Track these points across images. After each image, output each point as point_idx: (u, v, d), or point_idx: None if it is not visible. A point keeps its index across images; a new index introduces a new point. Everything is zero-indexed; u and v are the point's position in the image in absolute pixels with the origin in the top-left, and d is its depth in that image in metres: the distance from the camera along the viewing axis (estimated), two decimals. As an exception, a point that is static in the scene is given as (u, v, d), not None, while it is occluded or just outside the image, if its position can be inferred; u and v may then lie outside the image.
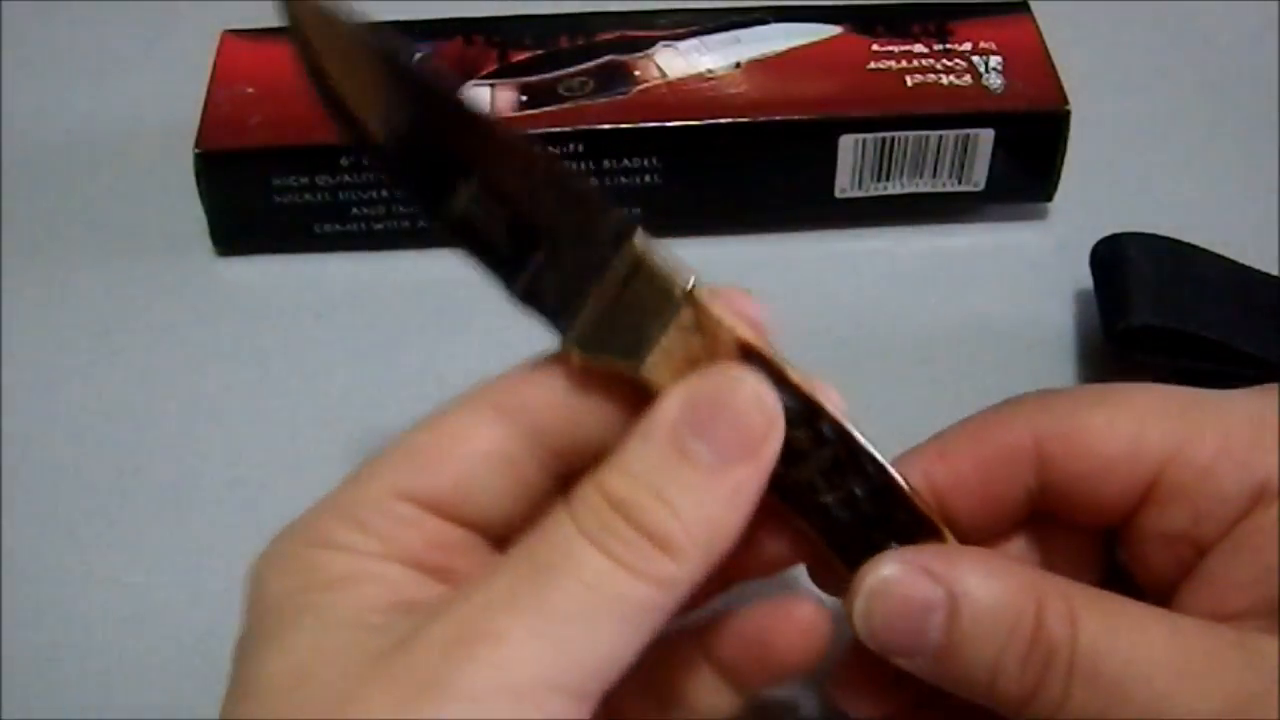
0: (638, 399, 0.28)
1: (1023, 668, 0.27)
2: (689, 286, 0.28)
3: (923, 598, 0.28)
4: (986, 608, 0.27)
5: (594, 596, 0.25)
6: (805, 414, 0.29)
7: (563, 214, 0.28)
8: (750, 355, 0.28)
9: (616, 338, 0.28)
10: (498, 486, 0.29)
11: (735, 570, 0.30)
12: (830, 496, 0.29)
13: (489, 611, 0.25)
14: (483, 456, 0.29)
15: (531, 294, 0.28)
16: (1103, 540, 0.32)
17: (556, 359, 0.29)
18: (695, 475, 0.27)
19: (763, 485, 0.27)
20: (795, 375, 0.29)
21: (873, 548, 0.29)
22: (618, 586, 0.26)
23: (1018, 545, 0.32)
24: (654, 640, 0.27)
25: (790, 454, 0.28)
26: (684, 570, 0.26)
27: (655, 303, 0.28)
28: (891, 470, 0.29)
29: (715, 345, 0.28)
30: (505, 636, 0.25)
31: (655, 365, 0.28)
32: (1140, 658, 0.27)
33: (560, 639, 0.25)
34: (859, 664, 0.31)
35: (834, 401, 0.29)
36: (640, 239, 0.28)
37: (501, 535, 0.29)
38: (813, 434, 0.28)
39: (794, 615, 0.31)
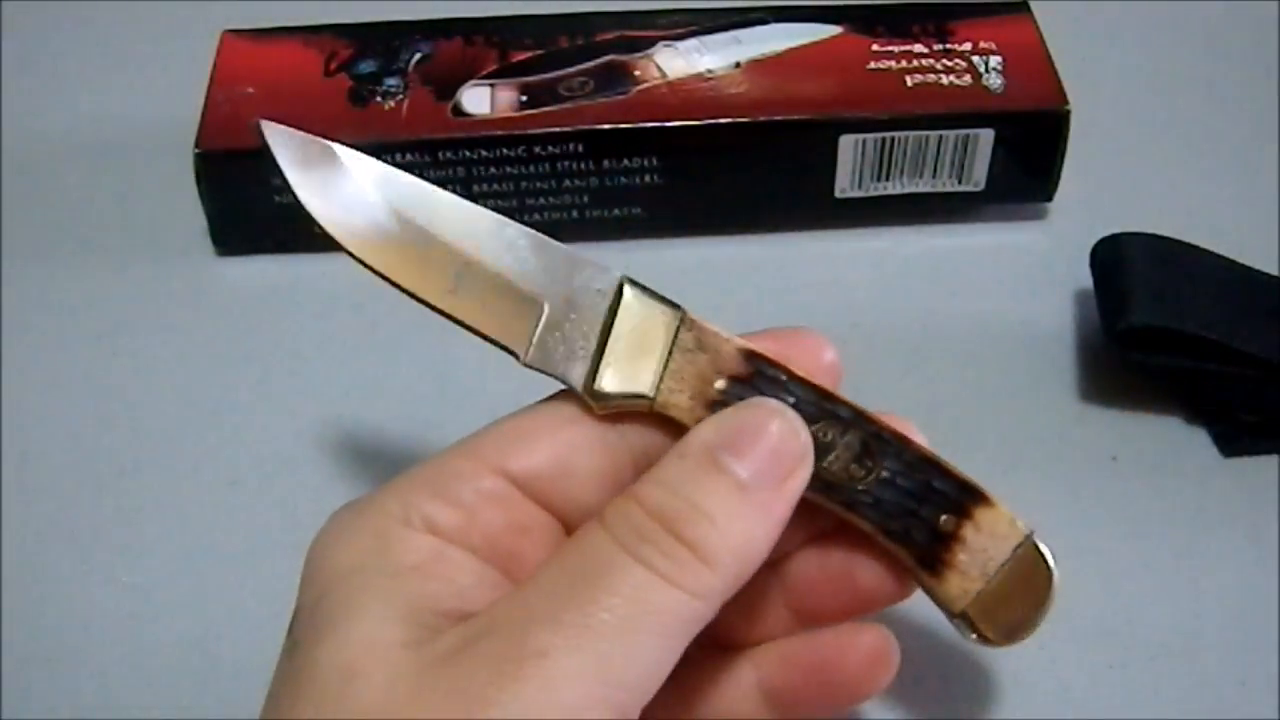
0: None
1: None
2: (684, 313, 0.29)
3: None
4: None
5: (633, 609, 0.26)
6: (820, 405, 0.29)
7: (550, 278, 0.29)
8: (752, 358, 0.29)
9: (627, 379, 0.29)
10: (592, 468, 0.29)
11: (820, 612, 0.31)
12: (867, 482, 0.29)
13: (533, 627, 0.25)
14: (581, 436, 0.29)
15: (540, 358, 0.29)
16: None
17: None
18: (729, 489, 0.27)
19: (788, 514, 0.28)
20: (800, 370, 0.29)
21: (926, 525, 0.30)
22: (656, 598, 0.26)
23: None
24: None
25: (819, 449, 0.29)
26: (719, 580, 0.26)
27: (655, 337, 0.29)
28: (914, 439, 0.30)
29: (719, 357, 0.29)
30: (549, 654, 0.25)
31: (669, 392, 0.29)
32: None
33: (602, 654, 0.25)
34: None
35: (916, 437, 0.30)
36: (629, 286, 0.29)
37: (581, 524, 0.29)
38: (833, 422, 0.29)
39: (861, 642, 0.31)
